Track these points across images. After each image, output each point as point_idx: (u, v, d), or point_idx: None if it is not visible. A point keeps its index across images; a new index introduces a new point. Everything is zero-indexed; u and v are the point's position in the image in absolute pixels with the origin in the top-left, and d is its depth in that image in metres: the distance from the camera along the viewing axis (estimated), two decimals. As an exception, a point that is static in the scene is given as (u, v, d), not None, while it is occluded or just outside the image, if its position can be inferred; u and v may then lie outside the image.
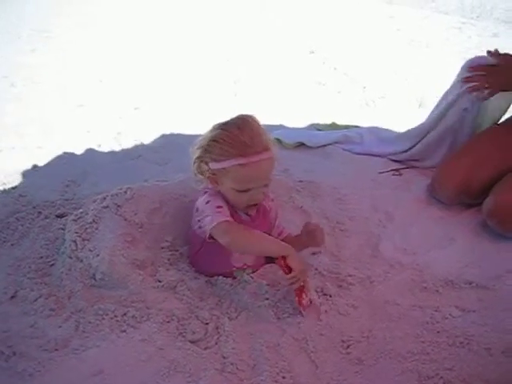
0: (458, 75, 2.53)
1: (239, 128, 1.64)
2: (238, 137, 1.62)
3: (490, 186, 2.18)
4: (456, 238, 2.10)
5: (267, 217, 1.87)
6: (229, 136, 1.63)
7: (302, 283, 1.67)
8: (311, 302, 1.69)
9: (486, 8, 6.88)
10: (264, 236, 1.74)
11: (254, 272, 1.81)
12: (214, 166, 1.67)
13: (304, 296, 1.68)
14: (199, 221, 1.73)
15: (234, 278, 1.79)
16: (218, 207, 1.68)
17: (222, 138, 1.64)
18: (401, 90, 3.90)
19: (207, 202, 1.71)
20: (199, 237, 1.75)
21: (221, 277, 1.79)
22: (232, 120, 1.69)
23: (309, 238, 1.83)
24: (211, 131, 1.69)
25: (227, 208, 1.70)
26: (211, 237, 1.67)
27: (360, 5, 6.92)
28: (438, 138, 2.62)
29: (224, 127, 1.66)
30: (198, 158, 1.70)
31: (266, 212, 1.86)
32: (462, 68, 2.52)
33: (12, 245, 1.95)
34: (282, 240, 1.83)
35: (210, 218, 1.66)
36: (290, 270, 1.64)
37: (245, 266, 1.80)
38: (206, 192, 1.76)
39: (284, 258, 1.65)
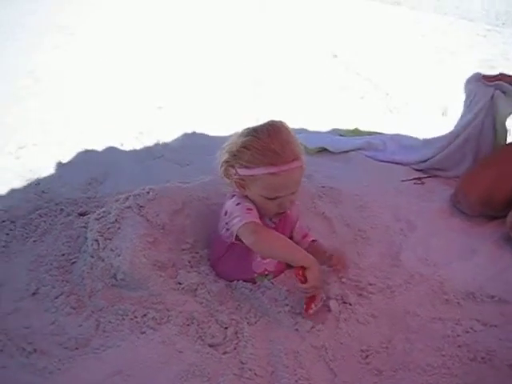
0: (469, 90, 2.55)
1: (270, 136, 1.63)
2: (268, 145, 1.61)
3: (514, 199, 2.16)
4: (478, 251, 2.07)
5: (288, 221, 1.87)
6: (259, 143, 1.62)
7: (313, 293, 1.66)
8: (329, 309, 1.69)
9: (511, 15, 6.80)
10: (290, 243, 1.73)
11: (274, 278, 1.80)
12: (242, 172, 1.66)
13: (313, 306, 1.66)
14: (227, 223, 1.72)
15: (255, 283, 1.79)
16: (248, 209, 1.68)
17: (252, 145, 1.63)
18: (424, 97, 3.86)
19: (237, 204, 1.70)
20: (224, 242, 1.75)
21: (241, 281, 1.79)
22: (263, 126, 1.68)
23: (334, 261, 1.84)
24: (241, 136, 1.68)
25: (256, 211, 1.69)
26: (238, 238, 1.66)
27: (384, 10, 6.88)
28: (460, 147, 2.60)
29: (255, 134, 1.65)
30: (225, 161, 1.70)
31: (288, 216, 1.85)
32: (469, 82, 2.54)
33: (34, 241, 1.97)
34: (308, 245, 1.84)
35: (239, 218, 1.65)
36: (305, 279, 1.63)
37: (266, 272, 1.80)
38: (234, 195, 1.75)
39: (303, 267, 1.63)
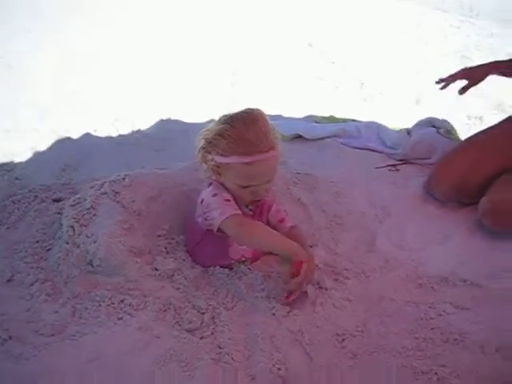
0: None
1: (246, 125, 1.62)
2: (243, 134, 1.61)
3: (486, 186, 2.19)
4: (451, 236, 2.11)
5: (264, 207, 1.87)
6: (235, 132, 1.62)
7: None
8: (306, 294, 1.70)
9: (484, 6, 6.88)
10: (275, 233, 1.73)
11: (251, 264, 1.81)
12: (218, 159, 1.66)
13: (293, 296, 1.67)
14: (205, 213, 1.71)
15: (232, 269, 1.79)
16: (226, 200, 1.68)
17: (227, 134, 1.63)
18: (398, 86, 3.90)
19: (214, 195, 1.70)
20: (200, 228, 1.75)
21: (218, 267, 1.79)
22: (239, 114, 1.67)
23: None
24: (218, 123, 1.67)
25: (234, 200, 1.70)
26: (219, 229, 1.66)
27: (359, 0, 6.90)
28: (433, 135, 2.65)
29: (231, 122, 1.64)
30: (202, 148, 1.69)
31: (265, 203, 1.86)
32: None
33: (8, 228, 1.95)
34: (288, 231, 1.84)
35: (220, 210, 1.65)
36: (298, 273, 1.63)
37: (243, 258, 1.81)
38: (211, 184, 1.75)
39: (302, 262, 1.63)
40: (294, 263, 1.63)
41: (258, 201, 1.76)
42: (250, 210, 1.80)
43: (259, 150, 1.61)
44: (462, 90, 2.36)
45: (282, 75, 4.04)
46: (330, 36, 5.17)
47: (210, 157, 1.68)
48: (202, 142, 1.69)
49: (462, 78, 2.37)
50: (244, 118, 1.65)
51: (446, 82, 2.39)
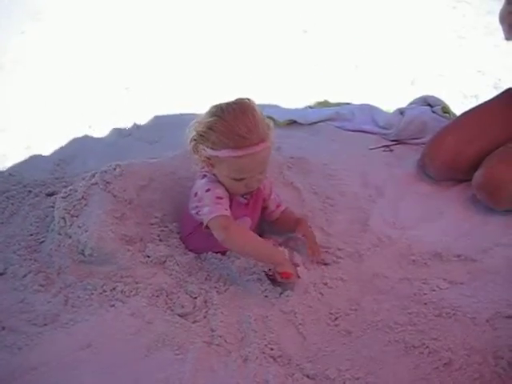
0: None
1: (236, 117, 1.60)
2: (234, 128, 1.59)
3: (479, 162, 2.17)
4: (445, 212, 2.10)
5: (259, 196, 1.87)
6: (225, 125, 1.60)
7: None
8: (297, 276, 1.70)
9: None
10: (260, 240, 1.72)
11: None
12: (209, 152, 1.64)
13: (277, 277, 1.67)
14: (197, 207, 1.72)
15: (224, 253, 1.79)
16: (218, 198, 1.66)
17: (217, 127, 1.61)
18: (393, 68, 3.88)
19: (207, 190, 1.68)
20: (193, 220, 1.75)
21: (210, 252, 1.80)
22: (229, 106, 1.64)
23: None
24: (208, 115, 1.65)
25: (227, 198, 1.69)
26: (207, 227, 1.66)
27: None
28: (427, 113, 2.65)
29: (221, 115, 1.62)
30: (193, 139, 1.67)
31: (260, 191, 1.85)
32: None
33: (2, 223, 1.96)
34: (280, 215, 1.89)
35: (209, 208, 1.65)
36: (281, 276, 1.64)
37: None
38: (204, 176, 1.74)
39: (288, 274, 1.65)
40: (280, 273, 1.64)
41: (251, 192, 1.76)
42: (246, 199, 1.79)
43: (250, 143, 1.59)
44: None
45: (277, 62, 4.02)
46: (323, 22, 5.14)
47: (201, 147, 1.66)
48: (193, 134, 1.68)
49: None
50: (234, 110, 1.62)
51: None
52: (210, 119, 1.63)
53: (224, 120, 1.61)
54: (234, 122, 1.60)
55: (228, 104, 1.66)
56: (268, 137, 1.65)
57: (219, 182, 1.71)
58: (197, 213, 1.73)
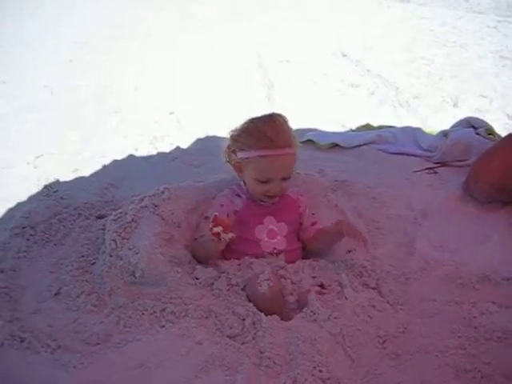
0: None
1: (266, 123, 1.82)
2: (263, 131, 1.79)
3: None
4: (492, 235, 2.07)
5: (293, 205, 1.96)
6: (256, 129, 1.81)
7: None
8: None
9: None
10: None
11: (286, 258, 1.86)
12: (239, 154, 1.83)
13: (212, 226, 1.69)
14: None
15: (263, 257, 1.84)
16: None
17: (249, 129, 1.83)
18: (435, 90, 3.87)
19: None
20: None
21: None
22: (263, 116, 1.87)
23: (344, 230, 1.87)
24: (243, 124, 1.85)
25: (230, 206, 1.88)
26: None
27: (393, 7, 6.89)
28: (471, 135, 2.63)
29: (253, 121, 1.85)
30: (228, 147, 1.87)
31: (293, 202, 1.96)
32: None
33: (55, 245, 2.03)
34: (315, 233, 1.93)
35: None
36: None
37: (275, 251, 1.86)
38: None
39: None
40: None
41: (272, 197, 1.86)
42: (273, 203, 1.89)
43: (276, 145, 1.77)
44: None
45: (318, 86, 4.07)
46: (363, 44, 5.17)
47: (233, 155, 1.85)
48: (228, 142, 1.87)
49: None
50: (265, 118, 1.85)
51: None
52: (244, 125, 1.87)
53: (255, 124, 1.84)
54: (264, 126, 1.81)
55: (262, 115, 1.88)
56: (294, 145, 1.83)
57: (245, 185, 1.90)
58: None
